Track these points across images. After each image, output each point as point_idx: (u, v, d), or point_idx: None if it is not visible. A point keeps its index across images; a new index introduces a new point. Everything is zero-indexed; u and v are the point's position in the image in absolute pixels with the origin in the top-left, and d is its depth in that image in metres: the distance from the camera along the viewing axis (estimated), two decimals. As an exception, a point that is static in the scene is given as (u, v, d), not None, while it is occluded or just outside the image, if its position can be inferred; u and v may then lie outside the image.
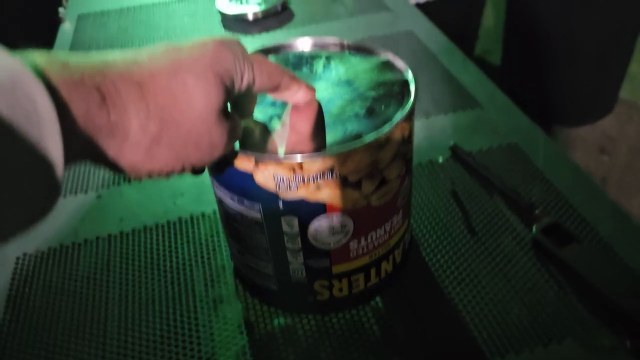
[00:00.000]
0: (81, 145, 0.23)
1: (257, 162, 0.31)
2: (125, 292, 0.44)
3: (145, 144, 0.25)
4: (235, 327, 0.41)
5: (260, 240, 0.36)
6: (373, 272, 0.39)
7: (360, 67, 0.39)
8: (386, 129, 0.32)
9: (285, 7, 0.86)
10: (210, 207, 0.51)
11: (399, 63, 0.38)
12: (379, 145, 0.32)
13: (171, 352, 0.39)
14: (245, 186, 0.33)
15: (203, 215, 0.50)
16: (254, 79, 0.29)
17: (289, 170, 0.31)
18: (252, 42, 0.79)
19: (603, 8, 1.49)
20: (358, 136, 0.32)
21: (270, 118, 0.35)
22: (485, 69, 0.67)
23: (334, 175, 0.32)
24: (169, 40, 0.83)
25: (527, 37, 1.66)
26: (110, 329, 0.42)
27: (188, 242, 0.48)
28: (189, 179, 0.53)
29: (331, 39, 0.41)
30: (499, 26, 1.80)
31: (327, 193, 0.32)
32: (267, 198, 0.33)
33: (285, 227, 0.34)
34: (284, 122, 0.34)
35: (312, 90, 0.34)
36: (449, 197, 0.50)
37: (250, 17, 0.84)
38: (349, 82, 0.37)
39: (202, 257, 0.46)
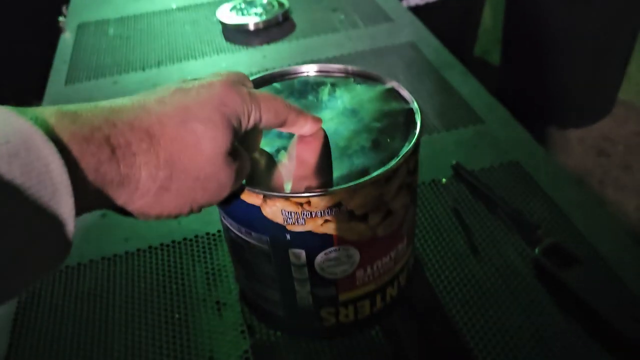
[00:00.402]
0: (91, 197, 0.23)
1: (265, 198, 0.32)
2: (130, 313, 0.45)
3: (154, 191, 0.25)
4: (239, 332, 0.41)
5: (267, 269, 0.37)
6: (378, 297, 0.39)
7: (365, 96, 0.39)
8: (393, 163, 0.32)
9: (286, 18, 0.86)
10: (215, 227, 0.51)
11: (404, 92, 0.38)
12: (386, 179, 0.32)
13: (179, 378, 0.40)
14: (252, 219, 0.34)
15: (208, 234, 0.51)
16: (260, 118, 0.29)
17: (297, 206, 0.31)
18: (253, 54, 0.79)
19: (601, 9, 1.50)
20: (365, 171, 0.33)
21: (277, 150, 0.35)
22: (485, 70, 0.68)
23: (341, 209, 0.32)
24: (169, 49, 0.83)
25: (526, 37, 1.66)
26: (116, 350, 0.42)
27: (193, 261, 0.48)
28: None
29: (336, 66, 0.41)
30: (498, 26, 1.81)
31: (334, 226, 0.33)
32: (275, 230, 0.33)
33: (292, 258, 0.35)
34: (291, 154, 0.34)
35: (319, 121, 0.35)
36: (451, 216, 0.50)
37: (252, 27, 0.84)
38: (354, 112, 0.38)
39: (208, 277, 0.47)
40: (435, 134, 0.59)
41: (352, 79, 0.41)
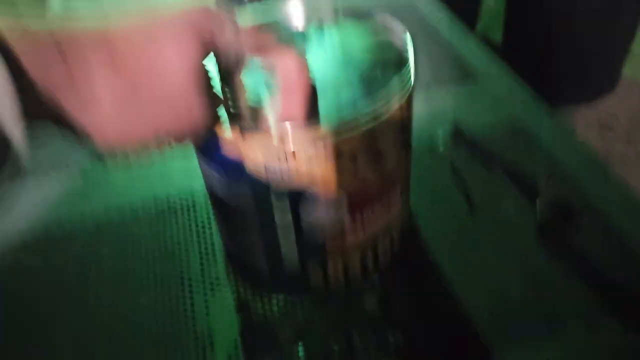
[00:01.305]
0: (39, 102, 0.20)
1: (243, 133, 0.29)
2: (117, 283, 0.42)
3: (114, 107, 0.22)
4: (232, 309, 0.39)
5: (250, 220, 0.34)
6: (370, 252, 0.37)
7: (354, 32, 0.36)
8: (383, 98, 0.29)
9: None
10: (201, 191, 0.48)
11: (396, 26, 0.36)
12: (376, 115, 0.30)
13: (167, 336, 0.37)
14: (232, 162, 0.31)
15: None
16: (235, 35, 0.27)
17: (279, 142, 0.29)
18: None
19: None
20: (353, 106, 0.30)
21: (258, 84, 0.32)
22: (489, 47, 0.65)
23: (327, 147, 0.29)
24: None
25: (528, 14, 1.63)
26: (102, 321, 0.39)
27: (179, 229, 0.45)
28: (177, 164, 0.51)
29: (323, 2, 0.39)
30: (501, 3, 1.77)
31: (320, 167, 0.30)
32: (256, 174, 0.31)
33: (275, 204, 0.32)
34: (272, 88, 0.32)
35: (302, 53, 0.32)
36: (449, 174, 0.47)
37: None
38: (342, 47, 0.35)
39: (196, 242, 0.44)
40: (432, 90, 0.57)
41: (341, 16, 0.38)
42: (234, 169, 0.32)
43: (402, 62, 0.33)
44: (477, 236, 0.42)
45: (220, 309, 0.39)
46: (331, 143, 0.29)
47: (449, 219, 0.44)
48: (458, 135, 0.51)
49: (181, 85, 0.24)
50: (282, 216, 0.33)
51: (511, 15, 1.71)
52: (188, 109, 0.25)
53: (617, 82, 1.80)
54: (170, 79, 0.24)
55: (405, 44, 0.34)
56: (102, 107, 0.22)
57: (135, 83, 0.23)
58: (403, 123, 0.33)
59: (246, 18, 0.37)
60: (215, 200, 0.36)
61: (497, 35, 1.89)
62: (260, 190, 0.32)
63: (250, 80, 0.33)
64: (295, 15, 0.39)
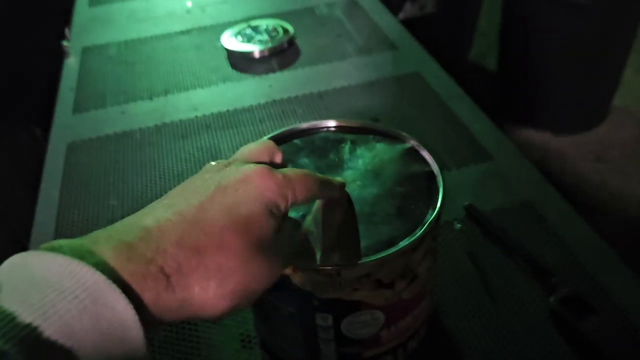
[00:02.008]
0: (153, 323, 0.24)
1: (295, 269, 0.32)
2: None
3: (210, 299, 0.26)
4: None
5: (292, 329, 0.37)
6: (400, 351, 0.40)
7: (385, 156, 0.40)
8: (419, 233, 0.33)
9: (292, 43, 0.87)
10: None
11: (424, 152, 0.39)
12: (413, 248, 0.33)
13: None
14: (281, 285, 0.34)
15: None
16: (296, 198, 0.30)
17: (327, 277, 0.32)
18: (259, 83, 0.80)
19: (597, 14, 1.51)
20: (392, 240, 0.33)
21: (302, 216, 0.35)
22: (480, 75, 0.68)
23: (370, 279, 0.33)
24: (175, 76, 0.83)
25: (522, 42, 1.68)
26: None
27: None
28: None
29: (355, 123, 0.42)
30: (494, 30, 1.82)
31: (362, 294, 0.34)
32: (303, 296, 0.34)
33: (319, 321, 0.35)
34: (316, 219, 0.35)
35: (343, 186, 0.35)
36: (466, 260, 0.51)
37: (257, 55, 0.84)
38: (375, 174, 0.38)
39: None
40: (445, 172, 0.60)
41: (372, 137, 0.42)
42: (283, 292, 0.35)
43: (431, 190, 0.36)
44: (497, 324, 0.46)
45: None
46: (373, 275, 0.33)
47: (469, 309, 0.47)
48: (472, 215, 0.55)
49: (260, 259, 0.28)
50: (324, 331, 0.36)
51: (505, 42, 1.76)
52: (269, 273, 0.28)
53: (607, 111, 1.85)
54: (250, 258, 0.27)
55: (436, 174, 0.37)
56: (204, 306, 0.25)
57: (222, 272, 0.26)
58: (434, 246, 0.36)
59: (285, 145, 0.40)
60: (258, 305, 0.39)
61: (491, 63, 1.95)
62: (305, 311, 0.35)
63: (293, 212, 0.36)
64: (331, 139, 0.42)
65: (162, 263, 0.24)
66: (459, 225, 0.54)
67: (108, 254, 0.23)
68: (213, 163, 0.32)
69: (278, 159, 0.33)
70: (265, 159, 0.32)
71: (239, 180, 0.28)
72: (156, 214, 0.26)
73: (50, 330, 0.20)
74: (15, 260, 0.22)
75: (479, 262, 0.51)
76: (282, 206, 0.29)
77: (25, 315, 0.20)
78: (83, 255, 0.22)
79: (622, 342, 0.42)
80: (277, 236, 0.29)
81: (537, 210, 0.55)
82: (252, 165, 0.29)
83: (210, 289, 0.25)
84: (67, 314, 0.20)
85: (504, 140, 0.64)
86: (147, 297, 0.23)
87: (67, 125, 0.75)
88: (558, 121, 1.79)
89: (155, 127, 0.73)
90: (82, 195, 0.63)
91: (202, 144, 0.69)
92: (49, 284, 0.21)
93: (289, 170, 0.31)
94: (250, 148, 0.33)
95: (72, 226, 0.58)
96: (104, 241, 0.24)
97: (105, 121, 0.75)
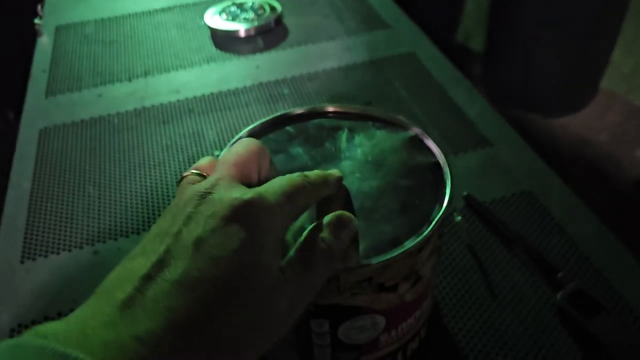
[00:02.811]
0: None
1: (289, 272, 0.29)
2: None
3: None
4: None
5: (287, 335, 0.34)
6: (400, 354, 0.38)
7: (387, 145, 0.36)
8: (426, 232, 0.30)
9: (279, 22, 0.82)
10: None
11: (429, 142, 0.36)
12: (420, 248, 0.30)
13: None
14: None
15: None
16: (294, 216, 0.26)
17: (327, 281, 0.29)
18: (245, 64, 0.76)
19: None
20: (395, 240, 0.30)
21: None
22: (468, 57, 0.66)
23: (371, 283, 0.30)
24: (156, 56, 0.78)
25: (510, 24, 1.65)
26: None
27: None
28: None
29: (353, 109, 0.39)
30: (482, 11, 1.78)
31: (362, 299, 0.30)
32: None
33: (314, 327, 0.32)
34: (312, 217, 0.32)
35: (339, 180, 0.32)
36: (466, 253, 0.48)
37: (242, 34, 0.80)
38: (376, 165, 0.35)
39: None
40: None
41: (371, 123, 0.38)
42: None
43: (438, 184, 0.33)
44: (498, 322, 0.43)
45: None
46: (375, 278, 0.30)
47: (469, 306, 0.44)
48: (472, 206, 0.52)
49: (265, 305, 0.24)
50: (320, 337, 0.33)
51: (493, 23, 1.73)
52: (283, 321, 0.25)
53: (596, 93, 1.84)
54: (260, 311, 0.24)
55: (443, 165, 0.34)
56: None
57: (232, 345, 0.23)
58: (439, 245, 0.33)
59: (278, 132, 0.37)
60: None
61: (478, 44, 1.91)
62: (300, 318, 0.32)
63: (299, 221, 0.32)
64: (326, 127, 0.39)
65: (155, 353, 0.20)
66: (459, 217, 0.51)
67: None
68: (189, 175, 0.28)
69: (266, 164, 0.29)
70: (253, 167, 0.28)
71: (224, 221, 0.23)
72: (137, 285, 0.22)
73: None
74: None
75: (479, 256, 0.48)
76: (281, 232, 0.25)
77: None
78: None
79: (633, 342, 0.40)
80: (288, 268, 0.25)
81: (540, 200, 0.52)
82: (235, 198, 0.24)
83: None
84: None
85: (504, 125, 0.61)
86: None
87: (39, 109, 0.70)
88: (546, 103, 1.78)
89: (135, 111, 0.69)
90: (55, 184, 0.59)
91: (184, 129, 0.65)
92: None
93: (280, 187, 0.26)
94: (236, 157, 0.28)
95: (44, 218, 0.54)
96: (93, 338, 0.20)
97: (80, 105, 0.70)
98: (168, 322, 0.21)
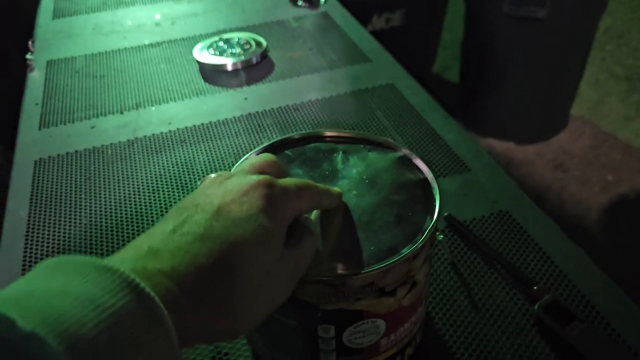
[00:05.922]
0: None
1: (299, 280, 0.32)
2: None
3: (226, 327, 0.25)
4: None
5: (293, 342, 0.37)
6: (398, 358, 0.40)
7: (379, 165, 0.40)
8: (420, 240, 0.33)
9: (265, 56, 0.87)
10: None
11: (417, 161, 0.40)
12: (414, 255, 0.33)
13: None
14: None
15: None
16: (299, 210, 0.30)
17: (331, 287, 0.32)
18: (234, 96, 0.79)
19: (554, 29, 1.58)
20: (393, 248, 0.33)
21: None
22: (444, 87, 0.70)
23: (373, 287, 0.33)
24: (146, 89, 0.81)
25: (483, 55, 1.74)
26: None
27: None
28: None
29: (346, 133, 0.42)
30: (456, 43, 1.87)
31: (365, 303, 0.33)
32: (306, 308, 0.34)
33: (321, 333, 0.35)
34: (316, 230, 0.35)
35: (340, 195, 0.35)
36: (449, 270, 0.52)
37: (230, 67, 0.84)
38: (371, 183, 0.39)
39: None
40: (425, 182, 0.61)
41: (363, 146, 0.42)
42: (285, 304, 0.34)
43: (427, 198, 0.37)
44: (482, 334, 0.46)
45: None
46: (376, 283, 0.33)
47: (454, 319, 0.47)
48: (453, 225, 0.56)
49: (270, 273, 0.28)
50: (325, 343, 0.36)
51: (467, 55, 1.82)
52: (286, 288, 0.29)
53: (567, 120, 1.93)
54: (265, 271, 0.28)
55: (431, 180, 0.38)
56: (223, 321, 0.26)
57: (242, 295, 0.26)
58: (431, 250, 0.37)
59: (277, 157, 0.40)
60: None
61: (454, 75, 2.00)
62: (307, 322, 0.35)
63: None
64: (322, 150, 0.42)
65: (179, 289, 0.24)
66: (441, 236, 0.54)
67: (169, 292, 0.24)
68: (213, 175, 0.31)
69: (280, 171, 0.33)
70: (267, 171, 0.32)
71: (243, 193, 0.27)
72: (163, 237, 0.25)
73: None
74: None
75: (462, 273, 0.51)
76: (288, 219, 0.29)
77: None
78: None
79: (605, 348, 0.44)
80: (286, 248, 0.29)
81: (515, 219, 0.56)
82: (254, 177, 0.29)
83: (227, 316, 0.25)
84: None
85: (480, 151, 0.66)
86: (172, 318, 0.23)
87: (33, 141, 0.72)
88: (520, 131, 1.86)
89: (128, 142, 0.71)
90: (51, 213, 0.60)
91: (177, 158, 0.68)
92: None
93: (292, 180, 0.31)
94: (252, 162, 0.32)
95: (41, 246, 0.56)
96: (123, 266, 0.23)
97: (74, 136, 0.73)
98: (191, 263, 0.24)
